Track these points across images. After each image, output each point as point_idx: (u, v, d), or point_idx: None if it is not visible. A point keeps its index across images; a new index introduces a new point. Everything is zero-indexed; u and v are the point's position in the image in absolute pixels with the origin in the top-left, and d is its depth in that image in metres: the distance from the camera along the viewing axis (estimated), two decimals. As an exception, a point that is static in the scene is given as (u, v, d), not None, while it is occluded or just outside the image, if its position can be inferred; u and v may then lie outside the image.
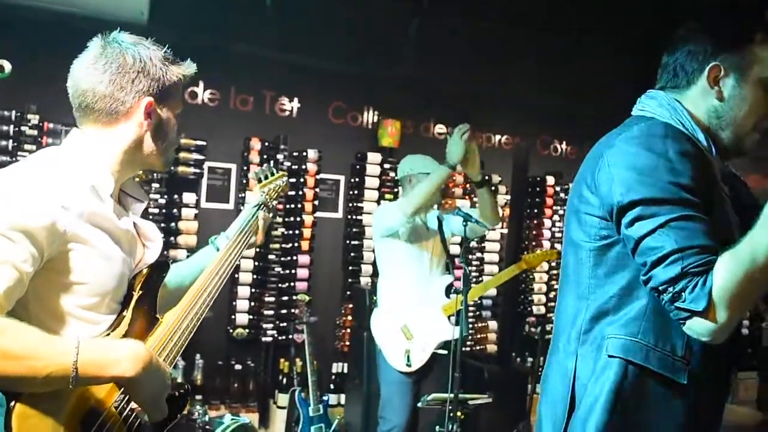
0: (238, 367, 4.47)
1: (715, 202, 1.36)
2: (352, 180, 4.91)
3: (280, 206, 4.60)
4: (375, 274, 3.52)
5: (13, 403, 1.17)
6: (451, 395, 2.72)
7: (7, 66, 3.44)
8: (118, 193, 1.52)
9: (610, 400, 1.36)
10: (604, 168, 1.39)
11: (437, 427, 2.85)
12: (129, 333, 1.40)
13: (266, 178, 2.16)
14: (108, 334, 1.37)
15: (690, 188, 1.30)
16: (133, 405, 1.36)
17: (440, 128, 5.32)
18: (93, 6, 3.74)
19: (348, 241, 4.86)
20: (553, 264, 5.47)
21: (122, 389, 1.31)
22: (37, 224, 1.22)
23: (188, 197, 4.32)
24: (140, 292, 1.46)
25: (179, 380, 4.15)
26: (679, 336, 1.36)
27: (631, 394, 1.37)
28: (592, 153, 1.49)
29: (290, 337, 4.48)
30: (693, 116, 1.45)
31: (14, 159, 3.87)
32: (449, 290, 3.29)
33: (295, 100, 4.76)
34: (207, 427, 2.88)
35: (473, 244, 5.25)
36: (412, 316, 3.34)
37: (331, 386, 4.72)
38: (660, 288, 1.28)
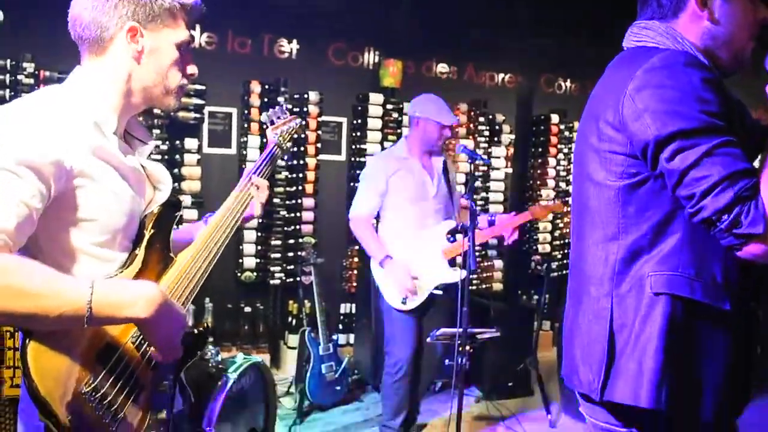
0: (247, 309, 4.54)
1: (735, 125, 1.34)
2: (355, 122, 4.87)
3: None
4: (378, 216, 3.50)
5: (27, 340, 1.18)
6: (460, 329, 2.76)
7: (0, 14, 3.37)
8: (123, 133, 1.50)
9: (665, 338, 1.34)
10: (630, 103, 1.35)
11: (446, 360, 2.90)
12: (142, 271, 1.41)
13: (279, 119, 2.12)
14: (121, 272, 1.37)
15: (720, 114, 1.29)
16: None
17: (442, 68, 5.24)
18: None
19: (352, 183, 4.85)
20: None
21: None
22: (43, 160, 1.20)
23: (190, 143, 4.30)
24: (152, 230, 1.46)
25: (190, 323, 4.25)
26: (717, 263, 1.36)
27: (683, 328, 1.35)
28: (607, 87, 1.45)
29: (298, 279, 4.53)
30: (690, 42, 1.42)
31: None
32: (453, 235, 3.25)
33: (294, 41, 4.68)
34: (220, 366, 2.92)
35: (478, 183, 5.24)
36: (411, 258, 3.34)
37: (340, 326, 4.81)
38: (713, 218, 1.26)
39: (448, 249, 3.34)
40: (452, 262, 3.40)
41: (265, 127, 2.10)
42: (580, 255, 1.53)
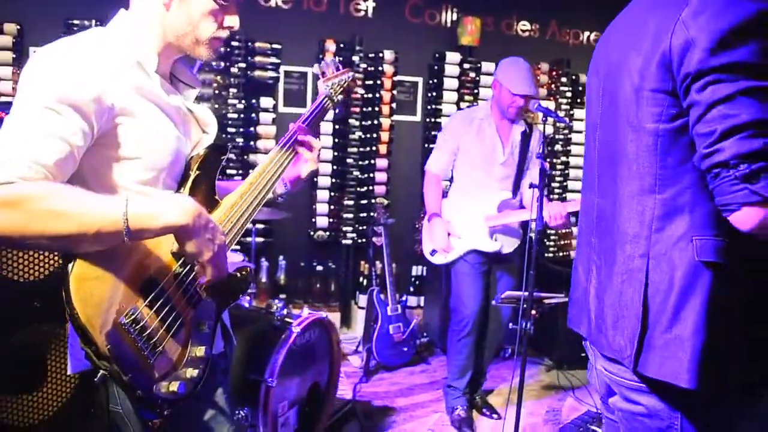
0: (319, 268, 4.59)
1: None
2: (431, 81, 4.76)
3: (357, 109, 4.56)
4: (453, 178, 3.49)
5: (70, 266, 1.20)
6: (525, 293, 2.66)
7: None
8: (168, 75, 1.50)
9: (707, 313, 1.20)
10: (682, 30, 1.15)
11: (510, 324, 2.82)
12: (186, 211, 1.41)
13: (331, 73, 2.08)
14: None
15: None
16: (193, 276, 1.37)
17: (523, 25, 5.02)
18: None
19: (426, 145, 4.77)
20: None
21: (181, 258, 1.33)
22: (84, 97, 1.22)
23: (265, 101, 4.34)
24: (197, 172, 1.46)
25: (264, 280, 4.35)
26: None
27: (735, 299, 1.20)
28: (649, 13, 1.26)
29: (370, 239, 4.53)
30: None
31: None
32: (503, 207, 3.24)
33: (370, -1, 4.60)
34: (286, 319, 2.96)
35: (558, 147, 5.03)
36: (456, 217, 3.37)
37: (411, 289, 4.78)
38: (730, 162, 1.08)
39: (490, 216, 3.25)
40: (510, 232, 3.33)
41: (316, 78, 2.07)
42: (613, 208, 1.37)
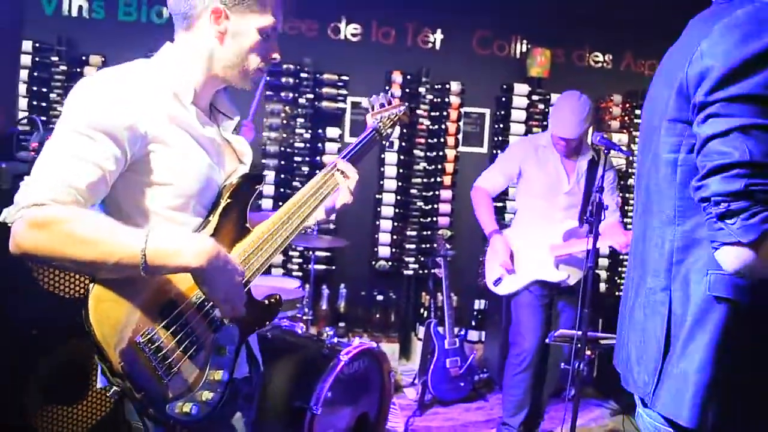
0: (380, 298, 4.58)
1: None
2: (498, 113, 4.72)
3: (422, 140, 4.57)
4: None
5: (91, 286, 1.25)
6: (579, 332, 2.55)
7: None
8: (208, 105, 1.55)
9: (716, 350, 1.16)
10: (698, 61, 1.13)
11: (562, 364, 2.70)
12: (215, 237, 1.43)
13: (381, 106, 2.10)
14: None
15: None
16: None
17: (596, 56, 4.90)
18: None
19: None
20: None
21: None
22: (118, 125, 1.28)
23: (332, 131, 4.42)
24: (228, 200, 1.49)
25: (324, 307, 4.38)
26: None
27: (742, 339, 1.15)
28: (681, 45, 1.25)
29: (432, 271, 4.49)
30: None
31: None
32: (569, 236, 3.16)
33: (438, 31, 4.63)
34: (336, 347, 2.97)
35: (631, 180, 4.84)
36: (521, 246, 3.30)
37: (472, 322, 4.69)
38: (712, 198, 1.06)
39: (555, 246, 3.16)
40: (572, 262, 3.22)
41: (366, 112, 2.09)
42: (641, 240, 1.35)
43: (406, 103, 2.14)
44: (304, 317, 3.56)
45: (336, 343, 3.01)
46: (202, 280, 1.29)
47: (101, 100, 1.29)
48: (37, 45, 4.00)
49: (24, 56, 3.97)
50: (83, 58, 3.99)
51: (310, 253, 3.63)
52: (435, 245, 4.28)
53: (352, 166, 1.78)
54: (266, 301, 1.60)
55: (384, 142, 2.10)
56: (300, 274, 4.35)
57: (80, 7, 4.15)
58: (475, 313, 4.69)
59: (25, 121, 2.03)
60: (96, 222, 1.22)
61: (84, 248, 1.19)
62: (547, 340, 2.91)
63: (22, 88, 4.00)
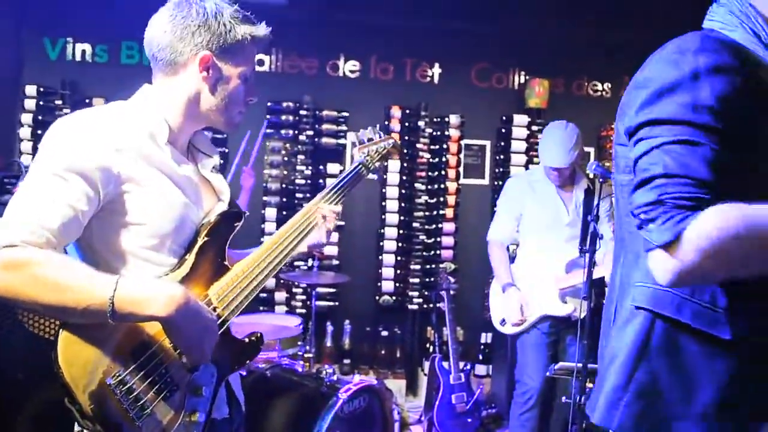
0: (384, 333, 4.53)
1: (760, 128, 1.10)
2: (498, 144, 4.72)
3: (422, 173, 4.57)
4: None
5: (61, 329, 1.24)
6: (579, 365, 2.49)
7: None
8: (186, 145, 1.56)
9: (632, 358, 1.20)
10: (630, 90, 1.20)
11: (563, 398, 2.64)
12: (191, 276, 1.43)
13: (369, 140, 2.12)
14: (167, 275, 1.41)
15: (711, 109, 1.07)
16: None
17: (595, 85, 4.91)
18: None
19: (495, 208, 4.66)
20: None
21: None
22: (91, 165, 1.28)
23: (332, 167, 4.44)
24: (205, 238, 1.49)
25: (329, 344, 4.34)
26: (720, 284, 1.14)
27: (659, 350, 1.19)
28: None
29: (438, 305, 4.44)
30: None
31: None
32: (571, 267, 3.12)
33: (437, 65, 4.67)
34: (335, 385, 2.92)
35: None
36: (526, 283, 3.26)
37: (480, 356, 4.61)
38: (634, 212, 1.11)
39: (560, 278, 3.12)
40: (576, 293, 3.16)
41: (353, 146, 2.11)
42: (615, 267, 1.39)
43: (394, 138, 2.16)
44: (306, 355, 3.52)
45: (335, 381, 2.97)
46: (169, 329, 1.28)
47: (74, 142, 1.30)
48: (42, 89, 4.07)
49: (28, 100, 4.05)
50: (86, 101, 4.05)
51: (312, 290, 3.60)
52: (438, 279, 4.24)
53: (333, 211, 1.77)
54: (246, 340, 1.58)
55: (372, 176, 2.11)
56: (304, 311, 4.32)
57: (83, 52, 4.23)
58: (481, 346, 4.62)
59: (13, 164, 2.06)
60: (66, 267, 1.21)
61: (53, 293, 1.18)
62: (547, 373, 2.85)
63: (27, 132, 4.07)
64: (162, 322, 1.26)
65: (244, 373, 3.09)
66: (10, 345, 1.72)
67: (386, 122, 4.51)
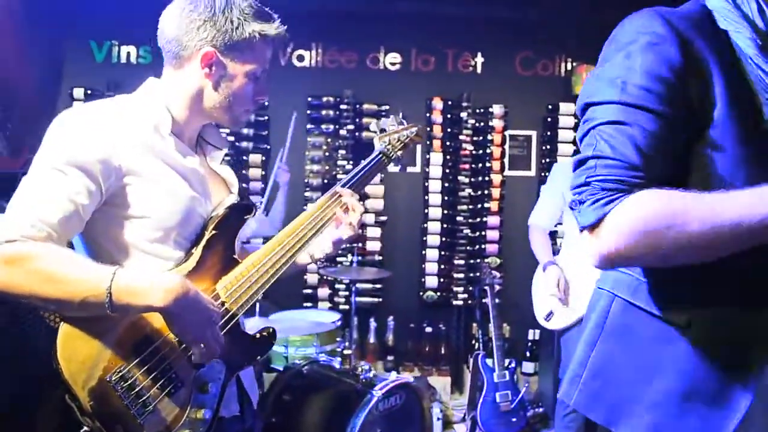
0: (429, 330, 4.45)
1: (733, 110, 1.03)
2: (545, 134, 4.56)
3: (466, 165, 4.47)
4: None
5: (62, 323, 1.23)
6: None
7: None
8: (195, 138, 1.54)
9: (593, 336, 1.23)
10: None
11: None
12: (197, 270, 1.40)
13: (391, 128, 2.07)
14: (172, 270, 1.38)
15: (641, 87, 1.04)
16: None
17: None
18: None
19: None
20: None
21: None
22: (91, 158, 1.26)
23: (373, 162, 4.38)
24: (213, 231, 1.46)
25: (372, 341, 4.29)
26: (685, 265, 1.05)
27: (616, 330, 1.20)
28: None
29: (483, 301, 4.33)
30: None
31: (218, 134, 4.28)
32: None
33: (479, 54, 4.55)
34: (371, 382, 2.87)
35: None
36: (575, 277, 3.12)
37: (527, 354, 4.48)
38: (572, 193, 1.10)
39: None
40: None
41: (374, 135, 2.05)
42: None
43: (418, 125, 2.08)
44: (345, 351, 3.49)
45: (372, 378, 2.92)
46: (170, 320, 1.25)
47: (74, 135, 1.28)
48: (89, 91, 4.18)
49: (76, 103, 4.16)
50: (132, 102, 4.13)
51: (353, 285, 3.56)
52: (481, 274, 4.13)
53: (356, 200, 1.72)
54: (257, 335, 1.54)
55: (395, 165, 2.04)
56: (347, 307, 4.29)
57: (128, 54, 4.32)
58: (529, 343, 4.48)
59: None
60: (64, 259, 1.19)
61: (52, 286, 1.17)
62: None
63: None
64: (161, 312, 1.23)
65: (281, 369, 3.08)
66: (32, 340, 1.74)
67: (428, 114, 4.42)
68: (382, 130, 2.05)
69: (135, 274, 1.24)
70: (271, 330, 1.57)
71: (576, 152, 1.28)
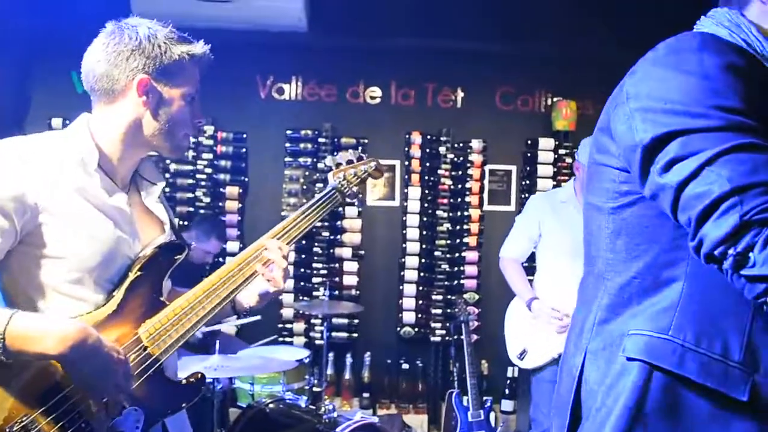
0: (406, 366, 4.38)
1: None
2: (525, 169, 4.54)
3: (444, 200, 4.44)
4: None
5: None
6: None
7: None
8: (130, 174, 1.50)
9: (626, 419, 0.99)
10: (623, 101, 1.02)
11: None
12: (118, 313, 1.36)
13: (349, 163, 2.00)
14: (89, 313, 1.34)
15: (742, 110, 0.89)
16: None
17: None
18: (255, 20, 3.94)
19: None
20: None
21: None
22: (4, 195, 1.24)
23: (351, 195, 4.36)
24: (138, 273, 1.41)
25: (347, 377, 4.20)
26: (737, 332, 0.94)
27: (658, 411, 0.98)
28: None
29: (458, 337, 4.27)
30: (765, 31, 1.02)
31: (195, 167, 4.27)
32: None
33: (459, 89, 4.55)
34: (335, 422, 2.80)
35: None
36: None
37: (506, 391, 4.39)
38: (716, 253, 0.86)
39: None
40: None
41: (328, 170, 2.00)
42: (578, 293, 1.22)
43: (376, 159, 2.03)
44: (314, 388, 3.42)
45: (335, 418, 2.84)
46: (67, 368, 1.21)
47: None
48: (67, 122, 4.17)
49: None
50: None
51: (323, 321, 3.51)
52: (456, 310, 4.08)
53: (281, 254, 1.59)
54: (183, 381, 1.49)
55: (352, 201, 1.99)
56: (323, 342, 4.22)
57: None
58: (508, 381, 4.39)
59: None
60: None
61: None
62: None
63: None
64: (57, 360, 1.19)
65: (244, 407, 3.01)
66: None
67: (406, 148, 4.41)
68: (338, 165, 1.99)
69: (33, 318, 1.20)
70: (199, 375, 1.52)
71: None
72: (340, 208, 4.36)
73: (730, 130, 0.88)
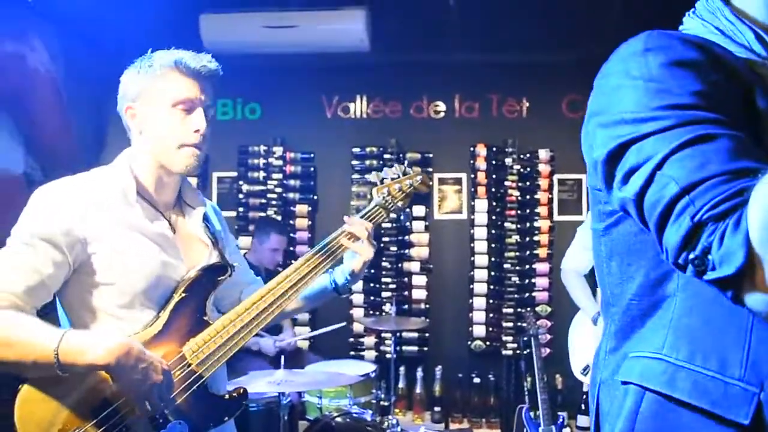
0: (477, 380, 4.34)
1: (761, 118, 0.86)
2: (595, 178, 4.41)
3: (512, 212, 4.39)
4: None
5: (20, 386, 1.31)
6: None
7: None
8: (174, 200, 1.60)
9: None
10: (586, 121, 1.00)
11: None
12: (163, 333, 1.45)
13: (393, 179, 2.01)
14: (137, 333, 1.44)
15: (695, 104, 0.83)
16: None
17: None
18: (319, 43, 4.07)
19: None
20: None
21: None
22: (56, 231, 1.36)
23: (418, 210, 4.39)
24: (183, 294, 1.51)
25: (418, 391, 4.21)
26: (736, 345, 0.85)
27: None
28: None
29: (530, 351, 4.19)
30: (744, 14, 0.95)
31: (265, 187, 4.43)
32: None
33: (524, 99, 4.50)
34: (397, 437, 2.83)
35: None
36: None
37: (582, 406, 4.26)
38: (680, 262, 0.78)
39: None
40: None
41: (373, 187, 2.02)
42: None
43: (423, 172, 2.02)
44: (381, 402, 3.45)
45: (398, 432, 2.88)
46: (114, 376, 1.31)
47: (41, 209, 1.39)
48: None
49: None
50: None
51: (392, 336, 3.54)
52: (524, 324, 4.01)
53: (363, 226, 1.75)
54: (227, 396, 1.57)
55: (398, 216, 1.99)
56: (393, 356, 4.26)
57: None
58: (584, 396, 4.26)
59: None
60: (17, 323, 1.28)
61: (5, 349, 1.26)
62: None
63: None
64: (104, 369, 1.29)
65: (311, 420, 3.08)
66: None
67: (472, 161, 4.40)
68: (382, 180, 1.98)
69: (82, 335, 1.31)
70: (241, 390, 1.59)
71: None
72: (407, 223, 4.40)
73: (683, 125, 0.82)
